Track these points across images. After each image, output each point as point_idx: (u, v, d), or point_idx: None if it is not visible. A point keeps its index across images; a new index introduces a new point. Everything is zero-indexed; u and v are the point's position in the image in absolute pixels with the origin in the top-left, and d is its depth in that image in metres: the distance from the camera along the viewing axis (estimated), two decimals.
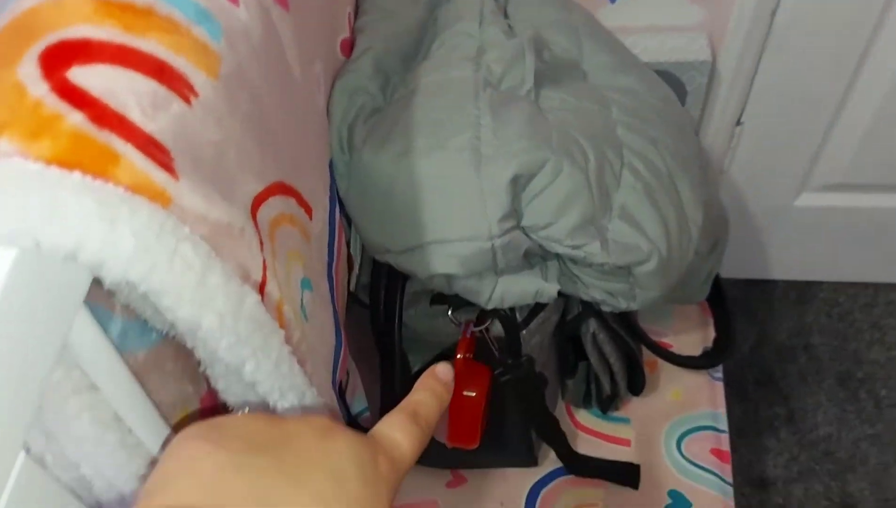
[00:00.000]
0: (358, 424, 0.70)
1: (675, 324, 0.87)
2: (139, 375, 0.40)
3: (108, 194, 0.28)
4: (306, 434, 0.32)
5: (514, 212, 0.56)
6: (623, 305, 0.67)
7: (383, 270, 0.64)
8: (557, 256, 0.62)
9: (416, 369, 0.68)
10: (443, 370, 0.41)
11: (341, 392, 0.67)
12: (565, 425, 0.80)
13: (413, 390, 0.40)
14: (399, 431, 0.35)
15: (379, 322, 0.65)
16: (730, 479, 0.77)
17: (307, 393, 0.42)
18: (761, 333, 1.28)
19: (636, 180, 0.62)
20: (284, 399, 0.40)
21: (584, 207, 0.58)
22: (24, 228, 0.27)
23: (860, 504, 1.10)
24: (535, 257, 0.61)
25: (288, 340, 0.40)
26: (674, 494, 0.76)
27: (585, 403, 0.81)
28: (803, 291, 1.32)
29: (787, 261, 1.30)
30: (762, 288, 1.33)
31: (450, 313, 0.63)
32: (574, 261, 0.61)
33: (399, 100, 0.60)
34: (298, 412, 0.43)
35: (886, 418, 1.17)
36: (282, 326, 0.40)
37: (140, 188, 0.30)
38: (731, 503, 0.76)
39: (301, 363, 0.44)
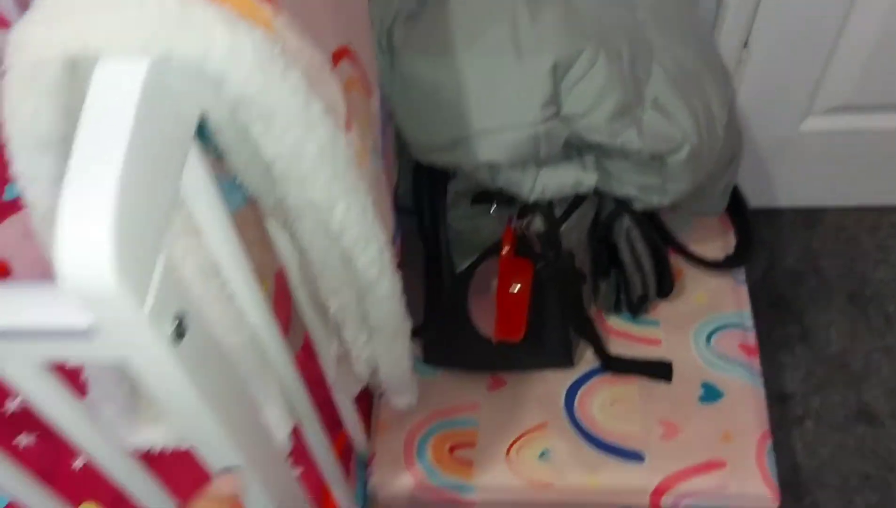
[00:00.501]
0: None
1: (696, 234, 0.90)
2: None
3: (227, 12, 0.31)
4: None
5: (555, 100, 0.59)
6: (655, 200, 0.70)
7: (425, 173, 0.67)
8: (594, 150, 0.65)
9: (459, 269, 0.70)
10: (223, 483, 0.36)
11: None
12: (599, 330, 0.83)
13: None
14: None
15: (424, 225, 0.68)
16: (759, 371, 0.80)
17: (385, 251, 0.45)
18: (771, 258, 1.31)
19: (666, 75, 0.65)
20: (366, 252, 0.43)
21: (620, 95, 0.61)
22: (157, 37, 0.29)
23: (876, 410, 1.14)
24: (573, 150, 0.64)
25: (368, 192, 0.43)
26: (706, 385, 0.79)
27: (616, 309, 0.84)
28: (810, 217, 1.36)
29: (794, 188, 1.34)
30: (770, 216, 1.36)
31: (493, 209, 0.66)
32: (610, 153, 0.64)
33: (436, 3, 0.63)
34: (376, 269, 0.45)
35: (895, 330, 1.21)
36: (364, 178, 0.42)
37: (251, 13, 0.32)
38: (762, 391, 0.79)
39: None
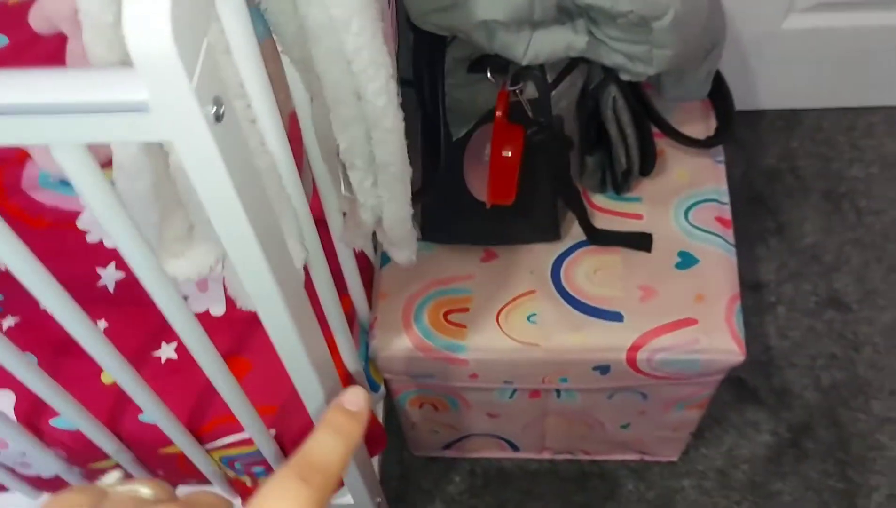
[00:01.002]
0: None
1: (679, 117, 0.94)
2: None
3: None
4: None
5: None
6: (641, 69, 0.74)
7: (425, 41, 0.70)
8: (584, 14, 0.68)
9: (457, 136, 0.74)
10: (352, 397, 0.35)
11: None
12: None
13: (314, 429, 0.34)
14: (283, 497, 0.30)
15: (423, 92, 0.72)
16: (732, 241, 0.86)
17: (392, 80, 0.48)
18: (750, 159, 1.36)
19: None
20: (376, 78, 0.47)
21: None
22: None
23: (845, 297, 1.21)
24: (565, 14, 0.67)
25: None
26: (682, 254, 0.85)
27: (602, 188, 0.89)
28: (789, 118, 1.40)
29: (775, 90, 1.37)
30: (751, 117, 1.41)
31: (489, 73, 0.70)
32: (599, 18, 0.68)
33: None
34: (384, 99, 0.49)
35: (866, 223, 1.27)
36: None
37: None
38: (734, 260, 0.85)
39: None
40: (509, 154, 0.70)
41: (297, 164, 0.58)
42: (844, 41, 1.26)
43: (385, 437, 0.89)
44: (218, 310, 0.79)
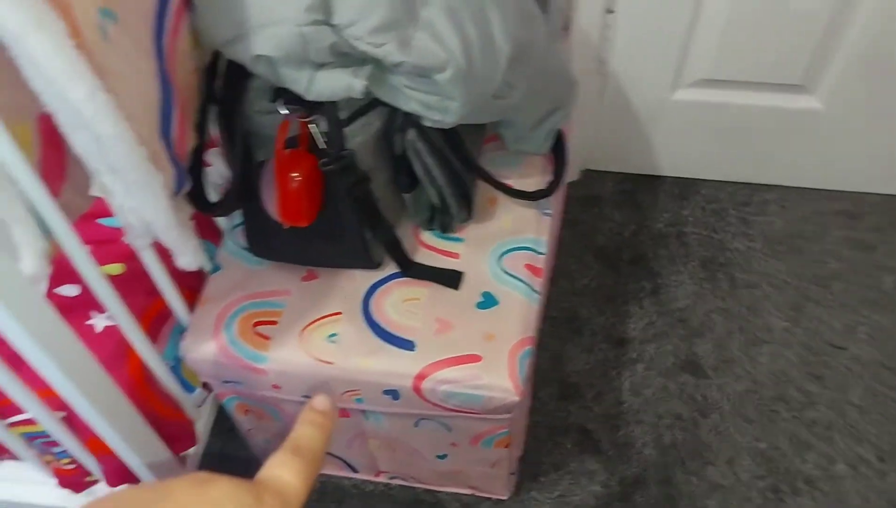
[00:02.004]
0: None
1: (520, 170, 0.99)
2: None
3: None
4: (184, 485, 0.37)
5: (323, 6, 0.69)
6: (437, 116, 0.79)
7: (233, 66, 0.77)
8: (371, 61, 0.74)
9: (260, 159, 0.80)
10: (319, 401, 0.46)
11: (195, 164, 0.79)
12: (410, 242, 0.93)
13: (295, 425, 0.44)
14: (282, 468, 0.40)
15: (226, 113, 0.78)
16: (538, 289, 0.90)
17: (97, 94, 0.54)
18: (642, 221, 1.41)
19: (442, 2, 0.74)
20: (74, 90, 0.53)
21: (387, 11, 0.70)
22: None
23: (702, 362, 1.24)
24: (351, 58, 0.73)
25: (80, 46, 0.53)
26: (485, 294, 0.89)
27: (429, 225, 0.94)
28: (687, 187, 1.45)
29: (673, 158, 1.43)
30: (651, 183, 1.46)
31: (280, 103, 0.76)
32: (384, 66, 0.74)
33: None
34: (91, 108, 0.55)
35: (737, 294, 1.31)
36: (72, 32, 0.52)
37: None
38: (535, 307, 0.89)
39: (101, 75, 0.56)
40: (296, 178, 0.76)
41: (56, 161, 0.64)
42: (733, 117, 1.31)
43: (192, 436, 0.94)
44: None
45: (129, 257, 0.90)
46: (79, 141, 0.59)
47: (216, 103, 0.80)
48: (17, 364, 0.70)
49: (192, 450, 0.96)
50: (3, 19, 0.47)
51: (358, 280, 0.91)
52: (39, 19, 0.48)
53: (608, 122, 1.36)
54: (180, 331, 0.90)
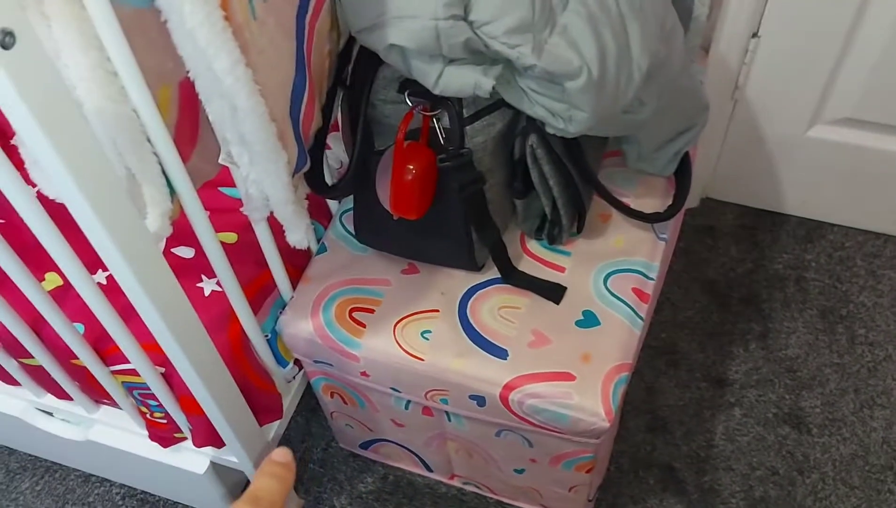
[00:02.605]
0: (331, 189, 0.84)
1: (639, 190, 0.96)
2: (127, 31, 0.55)
3: None
4: None
5: (461, 2, 0.68)
6: (561, 125, 0.77)
7: (364, 52, 0.78)
8: (506, 63, 0.73)
9: (380, 148, 0.81)
10: (279, 453, 0.51)
11: (316, 146, 0.80)
12: (515, 249, 0.92)
13: (254, 476, 0.49)
14: None
15: (353, 99, 0.79)
16: (643, 315, 0.86)
17: (238, 65, 0.56)
18: (759, 259, 1.34)
19: (582, 7, 0.73)
20: (218, 59, 0.54)
21: (525, 13, 0.69)
22: None
23: (808, 417, 1.16)
24: (483, 57, 0.73)
25: (229, 19, 0.54)
26: (587, 313, 0.86)
27: (537, 235, 0.92)
28: (813, 230, 1.37)
29: (801, 197, 1.35)
30: (774, 220, 1.38)
31: (406, 94, 0.76)
32: (516, 67, 0.73)
33: None
34: (231, 79, 0.56)
35: (857, 353, 1.22)
36: (223, 4, 0.54)
37: None
38: (637, 332, 0.85)
39: (245, 50, 0.58)
40: (412, 171, 0.76)
41: (190, 127, 0.66)
42: (872, 161, 1.23)
43: (279, 409, 0.96)
44: None
45: (244, 227, 0.92)
46: (214, 109, 0.60)
47: (344, 88, 0.81)
48: (128, 315, 0.73)
49: (276, 423, 0.97)
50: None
51: (458, 280, 0.90)
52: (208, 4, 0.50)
53: (736, 150, 1.30)
54: (281, 306, 0.92)
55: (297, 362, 0.99)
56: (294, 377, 1.00)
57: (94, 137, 0.55)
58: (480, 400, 0.86)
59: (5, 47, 0.43)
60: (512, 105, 0.78)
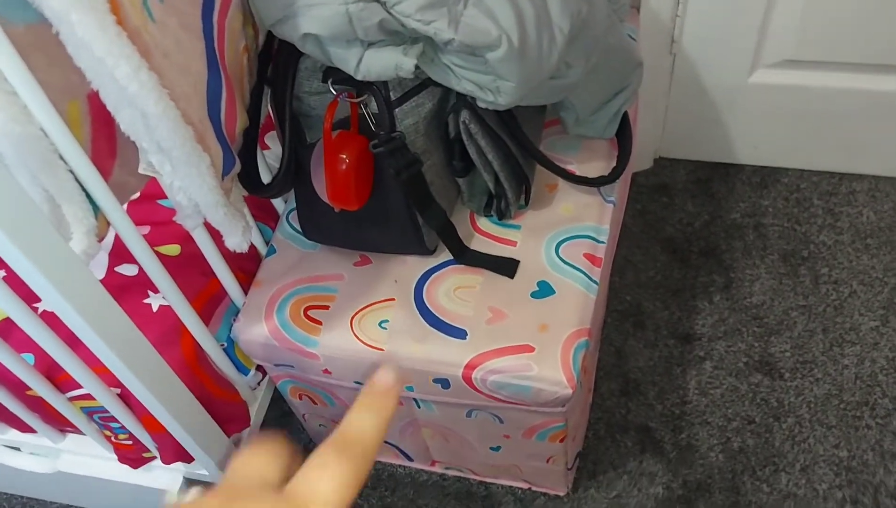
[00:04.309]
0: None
1: (582, 155, 0.95)
2: (23, 48, 0.53)
3: None
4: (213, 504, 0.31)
5: None
6: (490, 98, 0.76)
7: (284, 45, 0.76)
8: (425, 40, 0.72)
9: (312, 141, 0.80)
10: (382, 375, 0.37)
11: (247, 146, 0.79)
12: (465, 228, 0.91)
13: (350, 408, 0.36)
14: (321, 473, 0.32)
15: (278, 94, 0.77)
16: (597, 279, 0.86)
17: (141, 70, 0.54)
18: (715, 212, 1.34)
19: None
20: (118, 67, 0.53)
21: None
22: None
23: (779, 363, 1.17)
24: (401, 36, 0.71)
25: (121, 23, 0.53)
26: (542, 284, 0.86)
27: (486, 212, 0.91)
28: (767, 176, 1.37)
29: (751, 145, 1.35)
30: (727, 170, 1.39)
31: (330, 83, 0.75)
32: (436, 44, 0.72)
33: None
34: (135, 85, 0.55)
35: (822, 292, 1.23)
36: (114, 9, 0.52)
37: None
38: (592, 297, 0.85)
39: (146, 54, 0.56)
40: (345, 160, 0.75)
41: (106, 140, 0.64)
42: (817, 100, 1.23)
43: (246, 418, 0.95)
44: (98, 274, 0.87)
45: (186, 238, 0.90)
46: (125, 119, 0.59)
47: (269, 84, 0.79)
48: (76, 340, 0.71)
49: (245, 432, 0.96)
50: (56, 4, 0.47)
51: (411, 266, 0.89)
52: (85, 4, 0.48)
53: (681, 106, 1.30)
54: (234, 313, 0.91)
55: (259, 368, 0.97)
56: (259, 384, 0.99)
57: (3, 163, 0.53)
58: (444, 383, 0.85)
59: None
60: (439, 83, 0.77)
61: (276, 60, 0.78)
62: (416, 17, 0.68)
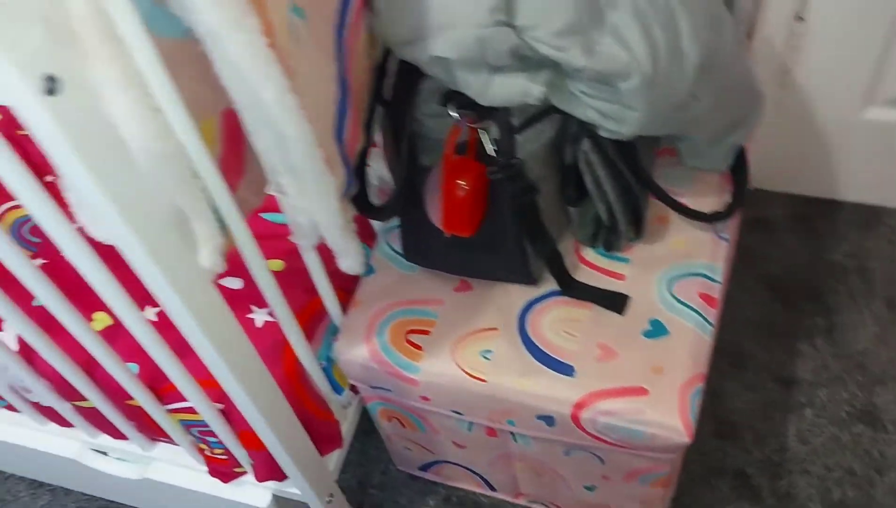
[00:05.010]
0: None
1: (695, 188, 0.92)
2: (168, 64, 0.53)
3: None
4: None
5: (506, 7, 0.65)
6: (613, 127, 0.74)
7: (405, 66, 0.75)
8: (550, 65, 0.70)
9: (426, 164, 0.78)
10: None
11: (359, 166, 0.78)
12: (570, 258, 0.88)
13: None
14: None
15: (395, 115, 0.76)
16: (713, 321, 0.82)
17: (286, 94, 0.53)
18: (818, 250, 1.28)
19: (630, 4, 0.69)
20: (266, 89, 0.52)
21: (572, 14, 0.66)
22: None
23: (883, 414, 1.11)
24: (529, 62, 0.70)
25: (272, 46, 0.52)
26: (654, 322, 0.82)
27: (593, 242, 0.89)
28: (870, 215, 1.31)
29: (856, 182, 1.29)
30: (828, 207, 1.33)
31: (451, 108, 0.73)
32: (565, 70, 0.70)
33: None
34: (279, 108, 0.54)
35: None
36: (267, 31, 0.51)
37: None
38: (709, 340, 0.81)
39: (290, 76, 0.55)
40: (464, 186, 0.73)
41: (235, 158, 0.64)
42: None
43: (339, 438, 0.93)
44: None
45: (290, 254, 0.90)
46: (261, 139, 0.58)
47: (383, 104, 0.78)
48: (182, 352, 0.71)
49: (336, 452, 0.95)
50: (205, 16, 0.47)
51: (513, 295, 0.87)
52: (238, 18, 0.48)
53: (786, 138, 1.25)
54: (333, 331, 0.90)
55: (352, 387, 0.96)
56: (350, 403, 0.98)
57: (142, 176, 0.53)
58: (549, 420, 0.82)
59: (51, 93, 0.41)
60: (561, 110, 0.75)
61: (397, 81, 0.77)
62: (550, 42, 0.67)
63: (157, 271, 0.55)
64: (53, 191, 0.56)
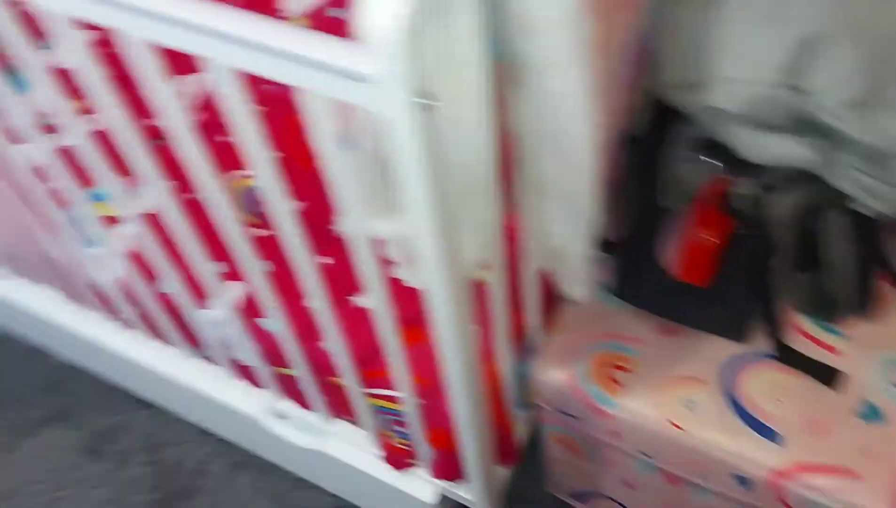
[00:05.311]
0: None
1: None
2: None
3: None
4: None
5: (796, 70, 0.65)
6: (871, 202, 0.72)
7: (661, 107, 0.76)
8: (821, 132, 0.69)
9: (661, 204, 0.79)
10: None
11: None
12: (786, 324, 0.86)
13: None
14: None
15: (643, 152, 0.77)
16: None
17: (594, 128, 0.55)
18: None
19: None
20: (574, 122, 0.54)
21: (863, 86, 0.65)
22: None
23: None
24: (804, 126, 0.69)
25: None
26: (868, 404, 0.79)
27: (807, 309, 0.86)
28: None
29: None
30: None
31: (703, 155, 0.74)
32: (838, 140, 0.68)
33: None
34: (582, 141, 0.56)
35: None
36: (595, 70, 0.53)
37: None
38: None
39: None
40: (711, 239, 0.73)
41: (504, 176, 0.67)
42: None
43: (518, 454, 0.95)
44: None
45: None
46: (538, 166, 0.60)
47: (630, 139, 0.79)
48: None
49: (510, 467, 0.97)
50: (546, 48, 0.49)
51: (717, 348, 0.86)
52: (580, 54, 0.50)
53: None
54: (529, 349, 0.92)
55: (534, 406, 0.98)
56: (528, 422, 1.00)
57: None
58: (745, 482, 0.81)
59: (426, 109, 0.44)
60: (819, 177, 0.74)
61: (653, 119, 0.77)
62: (835, 112, 0.66)
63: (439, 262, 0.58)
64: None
